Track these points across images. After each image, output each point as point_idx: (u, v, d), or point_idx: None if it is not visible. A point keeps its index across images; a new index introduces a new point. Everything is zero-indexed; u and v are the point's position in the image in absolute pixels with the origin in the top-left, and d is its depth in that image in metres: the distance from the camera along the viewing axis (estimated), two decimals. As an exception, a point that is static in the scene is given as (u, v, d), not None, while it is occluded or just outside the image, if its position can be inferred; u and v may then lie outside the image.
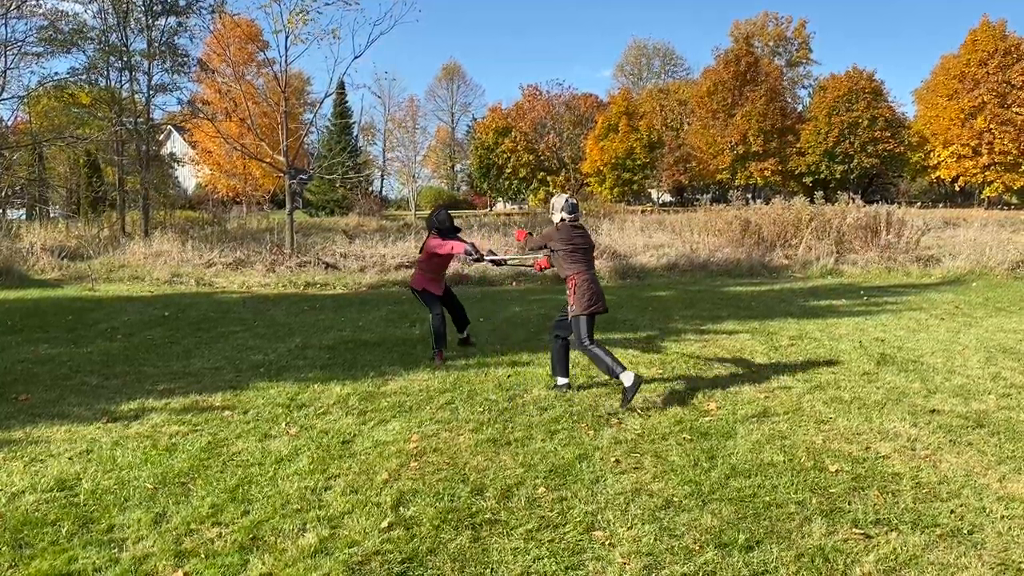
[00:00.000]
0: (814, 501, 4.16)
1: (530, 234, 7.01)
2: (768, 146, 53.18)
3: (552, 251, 6.47)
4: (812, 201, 19.86)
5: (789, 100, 61.78)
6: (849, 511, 4.02)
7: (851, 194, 21.10)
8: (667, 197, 64.00)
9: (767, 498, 4.20)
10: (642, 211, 34.89)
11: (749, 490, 4.31)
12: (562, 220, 6.48)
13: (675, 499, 4.21)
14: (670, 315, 10.71)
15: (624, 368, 6.02)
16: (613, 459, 4.81)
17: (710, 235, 19.60)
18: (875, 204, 20.23)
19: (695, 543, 3.69)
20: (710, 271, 16.73)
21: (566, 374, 6.64)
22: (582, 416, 5.75)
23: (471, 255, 7.62)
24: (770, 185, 54.07)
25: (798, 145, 53.81)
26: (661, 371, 7.23)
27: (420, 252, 8.36)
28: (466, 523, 3.91)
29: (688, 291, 13.77)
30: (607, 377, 6.42)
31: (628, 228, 21.51)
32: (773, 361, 7.65)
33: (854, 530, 3.81)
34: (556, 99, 58.49)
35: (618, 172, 50.86)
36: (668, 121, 61.14)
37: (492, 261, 8.11)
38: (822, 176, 52.83)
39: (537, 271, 7.95)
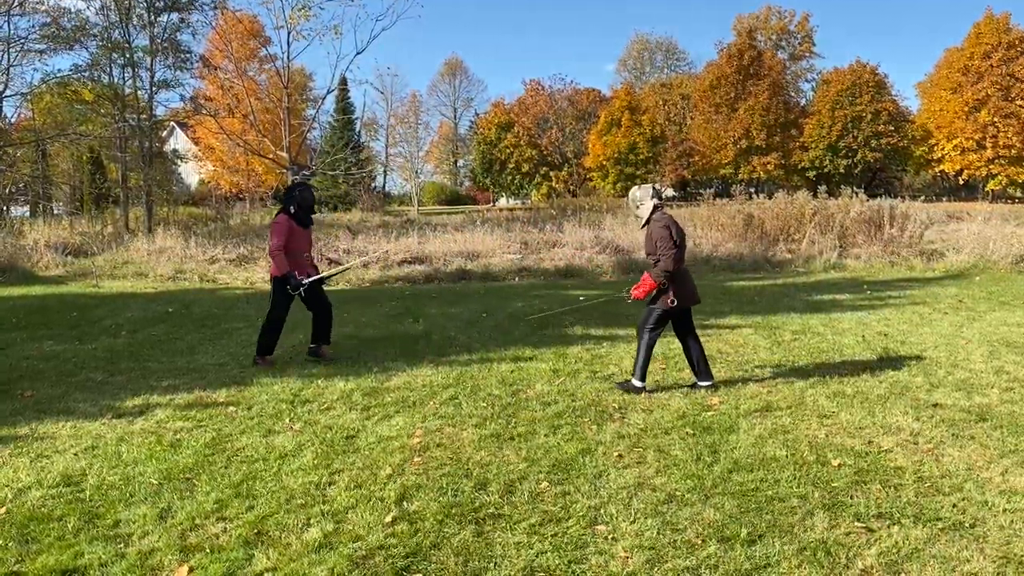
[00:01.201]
0: (816, 495, 4.17)
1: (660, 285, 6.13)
2: (771, 140, 53.04)
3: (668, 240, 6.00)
4: (815, 195, 19.87)
5: (792, 94, 61.61)
6: (851, 505, 4.03)
7: (854, 188, 21.02)
8: (670, 192, 63.92)
9: (769, 492, 4.21)
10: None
11: (751, 484, 4.32)
12: (656, 208, 6.21)
13: (678, 493, 4.22)
14: (673, 310, 10.70)
15: (645, 380, 6.23)
16: (616, 454, 4.83)
17: (713, 230, 19.59)
18: (878, 198, 20.21)
19: (697, 537, 3.70)
20: (713, 266, 16.73)
21: (709, 375, 6.38)
22: (585, 411, 5.76)
23: (291, 284, 7.26)
24: (773, 179, 53.93)
25: (801, 139, 53.70)
26: (664, 366, 7.23)
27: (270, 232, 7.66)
28: (469, 518, 3.93)
29: (691, 286, 13.76)
30: (635, 376, 6.25)
31: (631, 223, 21.46)
32: (776, 355, 7.65)
33: (856, 524, 3.81)
34: (558, 94, 58.52)
35: (621, 167, 50.85)
36: (671, 115, 61.03)
37: (317, 280, 7.55)
38: (825, 170, 52.76)
39: (639, 297, 6.30)
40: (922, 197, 40.12)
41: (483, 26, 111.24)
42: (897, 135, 51.62)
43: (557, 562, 3.47)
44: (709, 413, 5.69)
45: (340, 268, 8.89)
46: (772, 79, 54.65)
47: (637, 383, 6.21)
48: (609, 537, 3.71)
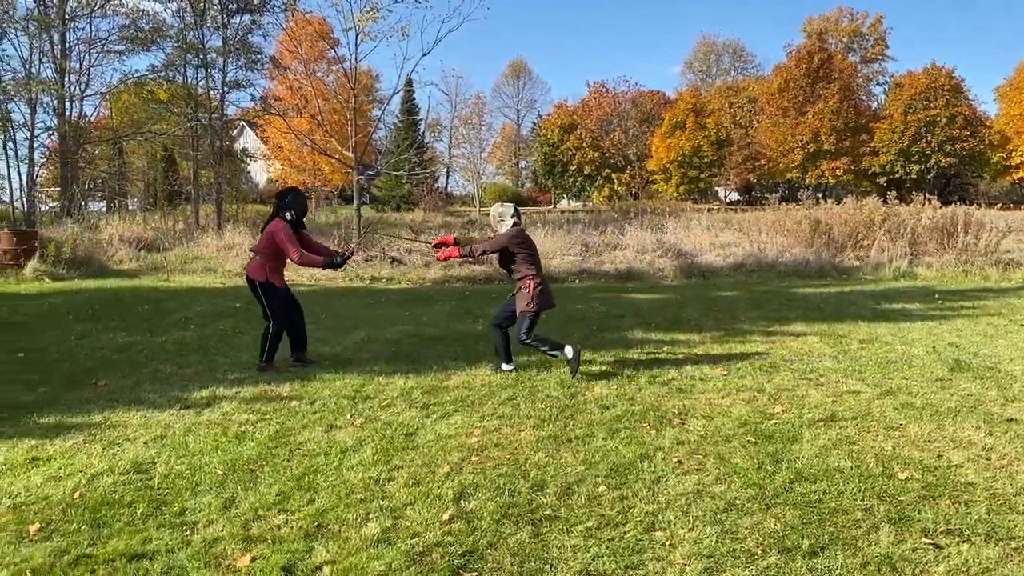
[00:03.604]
0: (882, 508, 4.06)
1: (457, 242, 7.36)
2: (841, 144, 51.79)
3: (512, 253, 7.03)
4: (885, 201, 19.31)
5: (863, 98, 60.06)
6: (919, 520, 3.91)
7: (927, 194, 20.39)
8: (734, 195, 62.97)
9: (833, 504, 4.11)
10: (708, 209, 34.41)
11: (814, 495, 4.22)
12: (515, 224, 7.17)
13: (738, 502, 4.15)
14: (736, 315, 10.55)
15: (562, 345, 6.95)
16: (675, 459, 4.78)
17: (778, 235, 19.23)
18: (952, 205, 19.55)
19: (757, 547, 3.64)
20: (778, 271, 16.42)
21: (511, 359, 7.28)
22: (644, 415, 5.71)
23: (335, 262, 7.23)
24: (841, 184, 52.68)
25: (872, 144, 52.29)
26: (726, 372, 7.13)
27: (261, 234, 7.44)
28: (526, 519, 3.93)
29: (755, 291, 13.54)
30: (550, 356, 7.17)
31: (694, 227, 21.25)
32: (842, 365, 7.47)
33: (924, 539, 3.70)
34: (623, 96, 58.18)
35: (684, 170, 50.31)
36: (737, 118, 60.05)
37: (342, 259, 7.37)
38: (897, 176, 51.28)
39: (440, 260, 7.64)
40: (999, 204, 38.67)
41: (548, 28, 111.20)
42: (973, 140, 49.88)
43: (614, 566, 3.45)
44: (771, 421, 5.58)
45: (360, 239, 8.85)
46: (843, 82, 53.36)
47: (567, 355, 6.89)
48: (667, 543, 3.68)
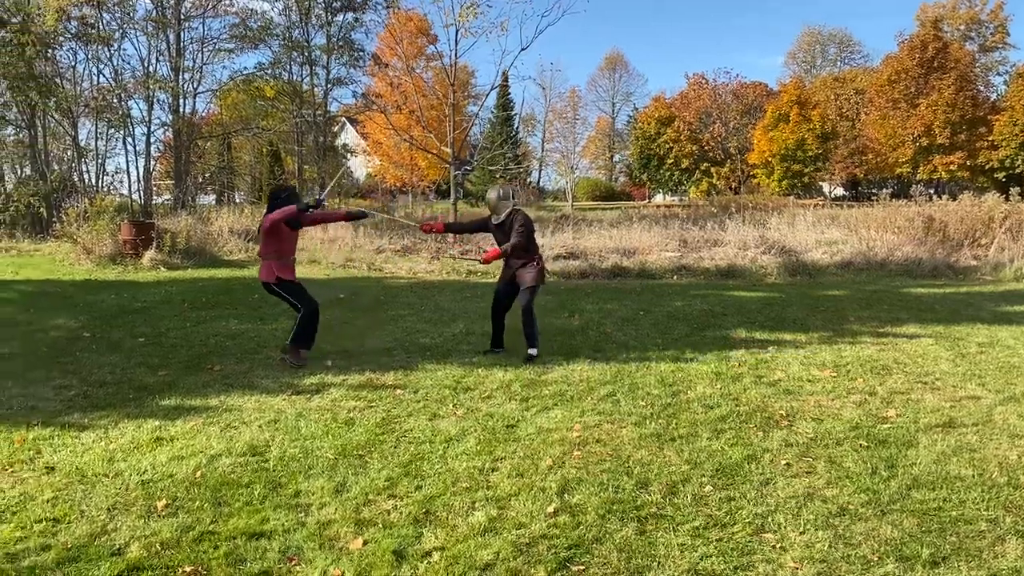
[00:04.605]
0: (1008, 520, 3.85)
1: (446, 226, 8.30)
2: (956, 138, 49.14)
3: (526, 233, 7.48)
4: (1007, 198, 18.28)
5: (982, 88, 56.76)
6: (1050, 535, 3.70)
7: (1052, 191, 19.22)
8: (839, 191, 60.73)
9: (953, 513, 3.93)
10: (812, 205, 33.32)
11: (933, 503, 4.05)
12: (516, 206, 7.67)
13: (851, 507, 4.02)
14: (844, 316, 10.18)
15: (537, 341, 7.56)
16: (783, 462, 4.66)
17: (888, 232, 18.45)
18: (1081, 202, 18.35)
19: (873, 554, 3.51)
20: (888, 270, 15.76)
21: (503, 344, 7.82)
22: (750, 416, 5.59)
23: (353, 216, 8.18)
24: (956, 180, 50.04)
25: (991, 137, 49.43)
26: (835, 374, 6.89)
27: (259, 234, 7.35)
28: (631, 515, 3.91)
29: (864, 291, 13.04)
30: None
31: (799, 223, 20.60)
32: (959, 368, 7.12)
33: (1056, 556, 3.49)
34: (723, 88, 56.84)
35: (787, 164, 48.75)
36: (843, 111, 57.78)
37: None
38: (1018, 171, 48.34)
39: (485, 263, 8.09)
40: None
41: (646, 18, 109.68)
42: (1105, 133, 46.57)
43: (722, 567, 3.40)
44: (885, 426, 5.38)
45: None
46: (959, 72, 50.58)
47: (532, 353, 7.46)
48: (777, 546, 3.59)
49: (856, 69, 65.17)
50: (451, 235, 18.60)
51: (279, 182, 36.61)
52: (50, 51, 23.30)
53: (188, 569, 3.35)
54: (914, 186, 30.38)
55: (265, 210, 7.35)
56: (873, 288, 13.48)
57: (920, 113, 49.72)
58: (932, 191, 38.82)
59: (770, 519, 3.87)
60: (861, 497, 4.14)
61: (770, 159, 49.57)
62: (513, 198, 7.75)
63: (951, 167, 49.23)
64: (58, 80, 24.83)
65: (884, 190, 29.22)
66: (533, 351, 7.50)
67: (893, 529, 3.76)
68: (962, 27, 60.21)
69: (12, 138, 25.67)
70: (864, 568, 3.40)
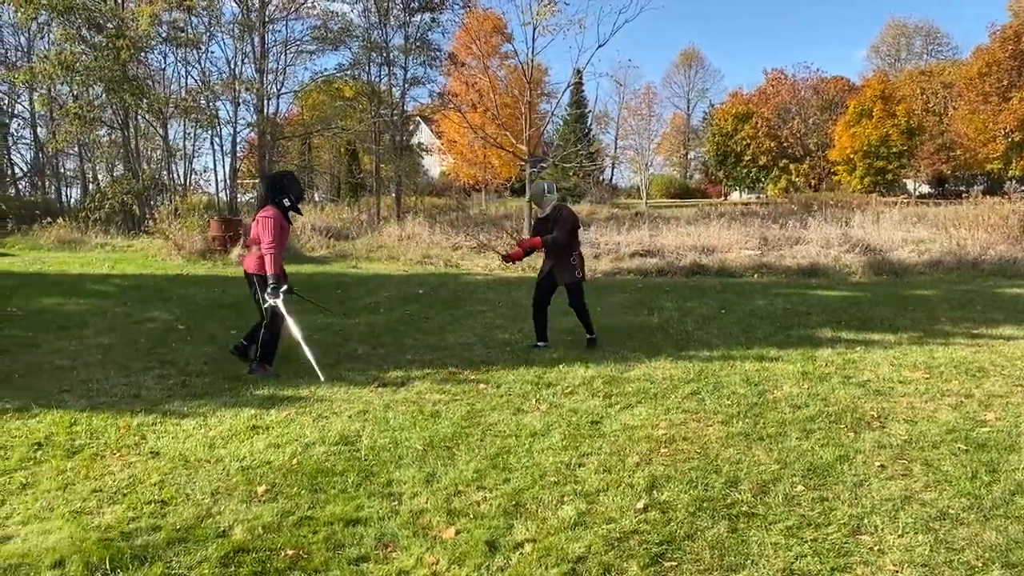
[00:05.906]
0: (1124, 531, 3.67)
1: (523, 248, 8.07)
2: (1051, 133, 46.87)
3: (569, 228, 7.70)
4: (1111, 195, 17.36)
5: (1081, 80, 54.00)
6: None
7: None
8: (924, 188, 58.56)
9: (1063, 522, 3.77)
10: (896, 203, 32.25)
11: (1041, 511, 3.89)
12: (557, 201, 8.01)
13: (951, 511, 3.89)
14: (935, 316, 9.83)
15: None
16: (877, 464, 4.54)
17: (980, 230, 17.73)
18: None
19: (977, 559, 3.40)
20: (980, 270, 15.14)
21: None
22: (840, 417, 5.46)
23: (274, 287, 6.47)
24: (1052, 176, 47.71)
25: (1090, 131, 46.97)
26: (927, 375, 6.67)
27: (253, 223, 6.83)
28: (722, 513, 3.87)
29: (955, 291, 12.56)
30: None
31: (884, 221, 19.99)
32: (1063, 372, 6.80)
33: None
34: (802, 83, 55.50)
35: (870, 160, 47.26)
36: (930, 105, 55.71)
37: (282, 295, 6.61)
38: (1119, 167, 45.82)
39: (518, 260, 8.18)
40: None
41: (724, 13, 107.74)
42: None
43: (819, 567, 3.34)
44: (984, 429, 5.18)
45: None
46: (1055, 64, 48.24)
47: (540, 344, 7.89)
48: (875, 548, 3.51)
49: (944, 62, 62.67)
50: (526, 234, 18.67)
51: (356, 179, 37.35)
52: (143, 54, 24.23)
53: (290, 552, 3.47)
54: (1009, 183, 29.05)
55: (265, 198, 6.89)
56: (965, 288, 12.98)
57: (1013, 107, 47.51)
58: (1026, 188, 37.04)
59: (866, 521, 3.78)
60: (962, 501, 4.00)
61: (852, 155, 48.16)
62: (553, 192, 8.09)
63: (1047, 163, 46.89)
64: (150, 82, 25.83)
65: (975, 187, 28.08)
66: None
67: (997, 535, 3.63)
68: (1060, 16, 57.19)
69: (106, 138, 26.81)
70: (968, 573, 3.29)
